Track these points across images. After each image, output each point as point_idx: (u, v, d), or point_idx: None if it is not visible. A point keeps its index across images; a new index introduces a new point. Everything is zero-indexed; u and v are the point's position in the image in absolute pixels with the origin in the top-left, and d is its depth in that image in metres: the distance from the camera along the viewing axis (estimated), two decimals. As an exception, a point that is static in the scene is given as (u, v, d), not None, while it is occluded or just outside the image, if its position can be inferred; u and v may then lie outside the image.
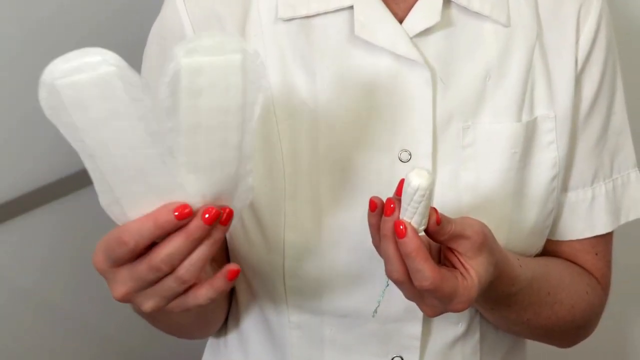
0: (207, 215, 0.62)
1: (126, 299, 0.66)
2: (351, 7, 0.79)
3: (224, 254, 0.88)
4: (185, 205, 0.62)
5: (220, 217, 0.63)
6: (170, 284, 0.65)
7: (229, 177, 0.64)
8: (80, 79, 0.59)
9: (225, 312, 0.93)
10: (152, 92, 0.60)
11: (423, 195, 0.66)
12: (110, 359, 1.66)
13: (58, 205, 1.49)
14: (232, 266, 0.65)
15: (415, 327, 0.84)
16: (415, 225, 0.68)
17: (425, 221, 0.68)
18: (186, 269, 0.64)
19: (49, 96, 0.60)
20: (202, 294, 0.66)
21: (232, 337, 0.93)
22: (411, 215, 0.67)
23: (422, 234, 0.69)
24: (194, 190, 0.63)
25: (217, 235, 0.64)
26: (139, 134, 0.60)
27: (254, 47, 0.60)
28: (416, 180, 0.66)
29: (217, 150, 0.62)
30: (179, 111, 0.61)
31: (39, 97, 0.60)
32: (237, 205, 0.66)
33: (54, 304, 1.54)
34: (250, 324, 0.90)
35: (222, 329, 0.94)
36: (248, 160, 0.64)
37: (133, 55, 0.89)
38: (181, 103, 0.60)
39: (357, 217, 0.78)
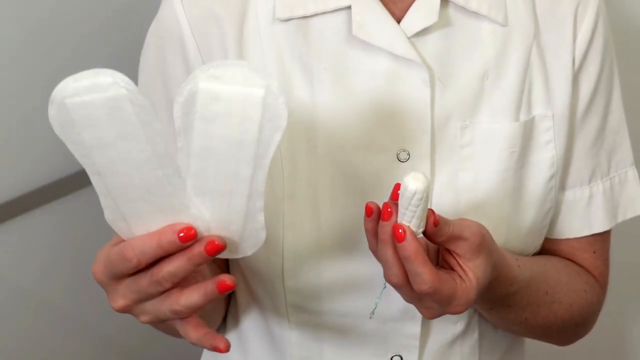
0: (215, 242, 0.63)
1: (125, 310, 0.68)
2: (349, 7, 0.79)
3: (223, 262, 0.88)
4: (190, 227, 0.63)
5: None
6: (166, 312, 0.66)
7: (237, 211, 0.64)
8: (91, 99, 0.59)
9: (223, 314, 0.93)
10: (159, 115, 0.60)
11: (420, 199, 0.66)
12: (110, 359, 1.67)
13: (58, 205, 1.49)
14: (221, 343, 0.66)
15: (414, 327, 0.84)
16: (413, 229, 0.68)
17: (423, 224, 0.68)
18: (182, 307, 0.65)
19: (58, 113, 0.60)
20: (193, 335, 0.67)
21: (231, 336, 0.93)
22: (409, 219, 0.67)
23: (420, 236, 0.69)
24: (199, 214, 0.63)
25: (211, 295, 0.64)
26: (146, 155, 0.61)
27: (276, 84, 0.60)
28: (413, 184, 0.66)
29: (226, 180, 0.62)
30: (190, 133, 0.61)
31: (49, 114, 0.60)
32: (246, 246, 0.66)
33: (54, 304, 1.54)
34: (249, 324, 0.90)
35: (221, 329, 0.94)
36: (259, 196, 0.63)
37: (133, 55, 0.89)
38: (194, 125, 0.60)
39: (356, 217, 0.78)
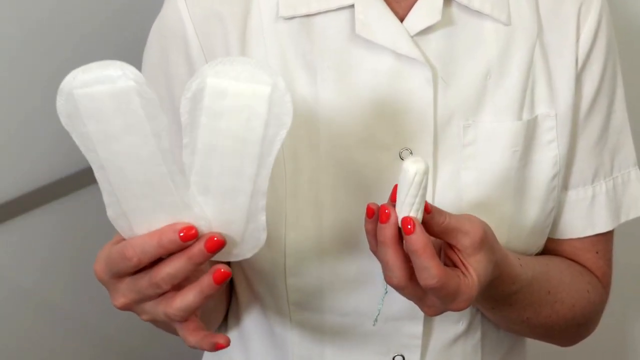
0: (215, 239, 0.63)
1: (126, 308, 0.68)
2: (352, 6, 0.79)
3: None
4: (191, 227, 0.63)
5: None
6: (161, 317, 0.66)
7: (239, 209, 0.64)
8: (99, 90, 0.59)
9: (224, 313, 0.93)
10: (166, 110, 0.60)
11: (427, 179, 0.66)
12: (110, 359, 1.67)
13: (58, 205, 1.49)
14: (221, 339, 0.66)
15: (416, 326, 0.84)
16: (415, 214, 0.67)
17: (423, 210, 0.68)
18: (175, 311, 0.65)
19: (66, 104, 0.60)
20: (191, 339, 0.67)
21: (232, 335, 0.92)
22: (417, 206, 0.67)
23: None
24: (201, 212, 0.63)
25: (207, 291, 0.64)
26: (151, 150, 0.61)
27: (283, 81, 0.61)
28: (413, 166, 0.66)
29: (230, 177, 0.62)
30: (196, 129, 0.61)
31: (57, 105, 0.61)
32: (246, 247, 0.66)
33: (54, 304, 1.54)
34: (251, 323, 0.90)
35: (222, 328, 0.94)
36: (261, 196, 0.63)
37: (133, 55, 0.89)
38: (200, 122, 0.61)
39: (358, 216, 0.78)
